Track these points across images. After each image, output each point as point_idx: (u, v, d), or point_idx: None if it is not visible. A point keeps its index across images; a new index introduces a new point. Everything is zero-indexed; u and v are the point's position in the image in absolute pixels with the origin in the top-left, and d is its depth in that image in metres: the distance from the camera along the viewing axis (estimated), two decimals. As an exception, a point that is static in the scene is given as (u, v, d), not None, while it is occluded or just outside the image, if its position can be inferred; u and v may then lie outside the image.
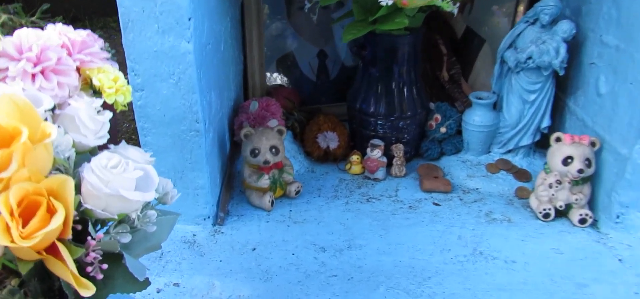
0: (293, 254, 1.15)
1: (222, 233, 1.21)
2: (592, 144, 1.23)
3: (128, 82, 0.71)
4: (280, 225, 1.25)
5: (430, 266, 1.12)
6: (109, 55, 0.73)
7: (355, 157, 1.46)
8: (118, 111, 0.73)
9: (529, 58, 1.33)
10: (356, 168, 1.46)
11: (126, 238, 0.64)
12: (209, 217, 1.21)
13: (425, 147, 1.51)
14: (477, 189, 1.40)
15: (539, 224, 1.26)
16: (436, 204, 1.34)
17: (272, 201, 1.29)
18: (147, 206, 0.68)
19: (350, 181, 1.44)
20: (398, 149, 1.43)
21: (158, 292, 1.03)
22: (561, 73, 1.33)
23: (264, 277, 1.08)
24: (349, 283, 1.07)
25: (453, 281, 1.08)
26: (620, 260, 1.14)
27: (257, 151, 1.24)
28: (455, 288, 1.06)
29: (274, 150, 1.24)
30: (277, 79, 1.72)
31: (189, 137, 1.10)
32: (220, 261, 1.12)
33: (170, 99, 1.06)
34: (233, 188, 1.38)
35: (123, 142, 0.70)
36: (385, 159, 1.43)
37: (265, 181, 1.27)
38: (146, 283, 0.60)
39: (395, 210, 1.32)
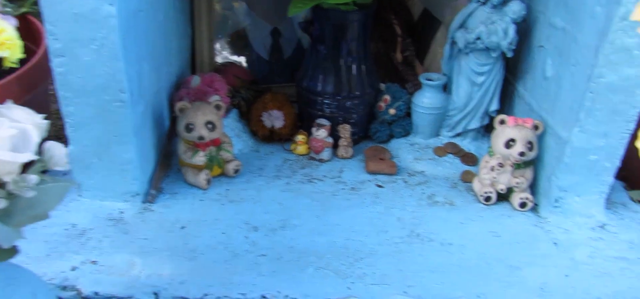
0: (223, 233, 1.11)
1: (152, 210, 1.17)
2: (535, 127, 1.21)
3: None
4: (215, 204, 1.21)
5: (365, 247, 1.09)
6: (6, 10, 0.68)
7: (300, 138, 1.42)
8: (7, 67, 0.68)
9: (478, 39, 1.30)
10: (302, 148, 1.43)
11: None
12: (138, 194, 1.16)
13: (374, 129, 1.48)
14: (422, 172, 1.38)
15: (480, 208, 1.24)
16: (379, 186, 1.31)
17: (209, 179, 1.25)
18: (36, 169, 0.64)
19: (294, 161, 1.41)
20: (344, 130, 1.40)
21: (73, 270, 0.98)
22: (509, 55, 1.31)
23: (190, 256, 1.04)
24: (278, 263, 1.04)
25: (385, 262, 1.05)
26: (555, 244, 1.13)
27: (191, 126, 1.19)
28: (386, 269, 1.03)
29: (210, 125, 1.20)
30: (228, 56, 1.67)
31: (113, 108, 1.05)
32: (145, 239, 1.08)
33: (92, 67, 1.01)
34: (170, 166, 1.33)
35: (9, 101, 0.65)
36: (331, 140, 1.40)
37: (200, 158, 1.22)
38: (12, 251, 0.56)
39: (337, 191, 1.28)
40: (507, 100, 1.45)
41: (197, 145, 1.22)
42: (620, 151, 1.12)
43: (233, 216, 1.17)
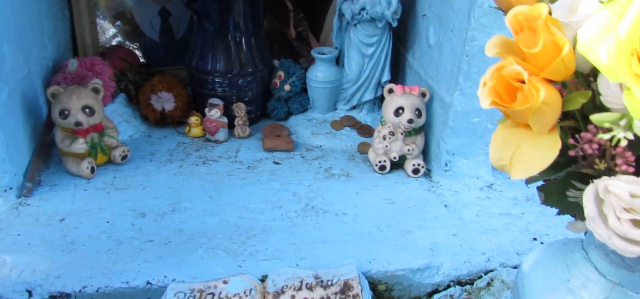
0: (107, 222, 1.05)
1: (28, 204, 1.08)
2: (423, 94, 1.24)
3: None
4: (100, 193, 1.13)
5: (258, 224, 1.07)
6: None
7: (194, 119, 1.37)
8: None
9: (363, 9, 1.31)
10: (196, 130, 1.38)
11: None
12: (11, 188, 1.07)
13: (271, 107, 1.46)
14: (320, 146, 1.37)
15: (375, 177, 1.26)
16: (276, 163, 1.29)
17: (92, 167, 1.17)
18: None
19: (189, 144, 1.36)
20: (239, 109, 1.37)
21: None
22: (394, 24, 1.33)
23: (68, 248, 0.97)
24: (165, 248, 0.99)
25: (278, 238, 1.04)
26: (445, 206, 1.17)
27: (66, 112, 1.11)
28: (279, 244, 1.02)
29: (87, 110, 1.12)
30: (115, 39, 1.58)
31: (-31, 95, 0.95)
32: (18, 234, 0.99)
33: (-62, 50, 0.90)
34: (50, 157, 1.23)
35: None
36: (225, 120, 1.36)
37: (80, 146, 1.14)
38: None
39: (232, 171, 1.25)
40: (398, 70, 1.48)
41: (75, 132, 1.14)
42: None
43: (119, 204, 1.10)
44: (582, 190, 0.65)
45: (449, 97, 1.17)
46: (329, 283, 0.91)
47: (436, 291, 1.02)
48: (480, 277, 1.02)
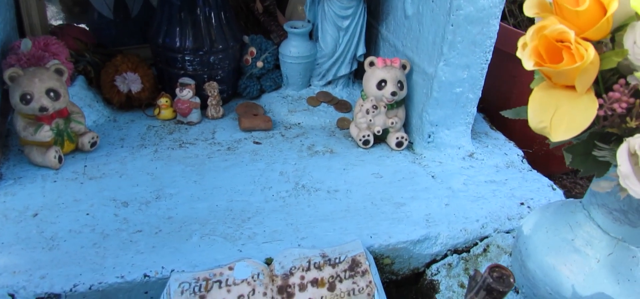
0: (87, 214, 0.96)
1: (-8, 201, 0.97)
2: (403, 66, 1.23)
3: None
4: (72, 183, 1.04)
5: (250, 206, 1.03)
6: None
7: (163, 101, 1.29)
8: None
9: (340, -19, 1.28)
10: (166, 112, 1.30)
11: None
12: (-31, 184, 0.96)
13: (243, 85, 1.40)
14: (298, 123, 1.34)
15: (360, 152, 1.24)
16: (257, 143, 1.24)
17: (60, 156, 1.07)
18: None
19: (160, 127, 1.27)
20: (212, 88, 1.30)
21: None
22: (370, -4, 1.31)
23: (49, 245, 0.88)
24: (157, 237, 0.92)
25: (274, 218, 1.00)
26: (433, 177, 1.17)
27: (28, 97, 1.00)
28: (277, 225, 0.98)
29: (52, 94, 1.02)
30: (64, 17, 1.45)
31: None
32: (-13, 235, 0.89)
33: None
34: (8, 147, 1.12)
35: None
36: (198, 100, 1.28)
37: (46, 133, 1.04)
38: None
39: (212, 153, 1.19)
40: (372, 44, 1.46)
41: (40, 118, 1.03)
42: (481, 82, 1.19)
43: (96, 194, 1.01)
44: (606, 149, 0.67)
45: (431, 69, 1.17)
46: (337, 260, 0.89)
47: (434, 261, 1.03)
48: (476, 244, 1.04)
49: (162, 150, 1.18)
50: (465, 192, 1.13)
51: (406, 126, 1.29)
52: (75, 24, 1.45)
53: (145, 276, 0.84)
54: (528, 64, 0.56)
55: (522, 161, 1.27)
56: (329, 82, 1.44)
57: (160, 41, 1.27)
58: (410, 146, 1.27)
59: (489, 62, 1.17)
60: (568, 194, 1.47)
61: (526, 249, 0.88)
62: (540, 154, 1.45)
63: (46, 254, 0.86)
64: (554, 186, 1.18)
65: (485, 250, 1.02)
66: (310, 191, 1.09)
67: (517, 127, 1.47)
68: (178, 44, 1.26)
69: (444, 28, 1.11)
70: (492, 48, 1.15)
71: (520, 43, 0.58)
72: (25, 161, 1.08)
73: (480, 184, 1.16)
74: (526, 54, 0.57)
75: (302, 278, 0.86)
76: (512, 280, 0.67)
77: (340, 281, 0.87)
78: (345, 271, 0.88)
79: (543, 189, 1.16)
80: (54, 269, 0.83)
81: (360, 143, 1.24)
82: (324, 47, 1.37)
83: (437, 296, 0.99)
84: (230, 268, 0.85)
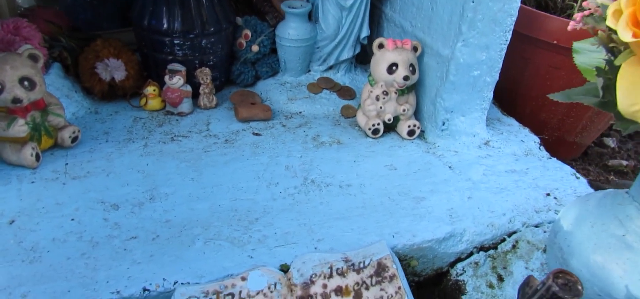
0: (72, 219, 0.84)
1: (-41, 207, 0.84)
2: (414, 48, 1.14)
3: None
4: (53, 184, 0.91)
5: (257, 205, 0.92)
6: None
7: (151, 89, 1.16)
8: None
9: (344, -43, 1.17)
10: (154, 103, 1.17)
11: None
12: None
13: (237, 72, 1.28)
14: (300, 112, 1.23)
15: (369, 142, 1.14)
16: (256, 134, 1.13)
17: (37, 153, 0.94)
18: None
19: (148, 119, 1.15)
20: (204, 75, 1.18)
21: None
22: (378, -27, 1.21)
23: (29, 257, 0.76)
24: (155, 244, 0.81)
25: (285, 218, 0.89)
26: (450, 167, 1.08)
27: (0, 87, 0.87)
28: (288, 226, 0.88)
29: (27, 83, 0.89)
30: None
31: None
32: (-45, 247, 0.76)
33: None
34: (-25, 144, 0.98)
35: None
36: (189, 88, 1.16)
37: (20, 128, 0.91)
38: None
39: (208, 147, 1.07)
40: (374, 25, 1.36)
41: (13, 111, 0.90)
42: (499, 64, 1.10)
43: (81, 196, 0.89)
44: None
45: (447, 50, 1.08)
46: (361, 265, 0.79)
47: (459, 259, 0.95)
48: (503, 240, 0.96)
49: (152, 144, 1.06)
50: (486, 184, 1.04)
51: (417, 113, 1.20)
52: (46, 6, 1.30)
53: (144, 290, 0.73)
54: (626, 34, 0.47)
55: (539, 148, 1.19)
56: (330, 67, 1.33)
57: (146, 23, 1.14)
58: (421, 135, 1.18)
59: (508, 42, 1.08)
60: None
61: (568, 246, 0.80)
62: (551, 141, 1.38)
63: (27, 268, 0.74)
64: (577, 174, 1.10)
65: (514, 246, 0.94)
66: (320, 187, 0.99)
67: (527, 113, 1.39)
68: (166, 26, 1.14)
69: (463, 5, 1.02)
70: (512, 27, 1.06)
71: (610, 11, 0.49)
72: (-4, 160, 0.95)
73: (501, 175, 1.08)
74: (622, 24, 0.47)
75: (325, 286, 0.76)
76: (580, 287, 0.58)
77: (367, 288, 0.77)
78: (371, 276, 0.78)
79: (567, 178, 1.09)
80: (37, 285, 0.71)
81: (369, 132, 1.15)
82: (326, 28, 1.27)
83: (463, 297, 0.91)
84: (243, 278, 0.74)
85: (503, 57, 1.09)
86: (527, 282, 0.63)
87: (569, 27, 0.63)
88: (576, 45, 0.80)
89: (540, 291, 0.59)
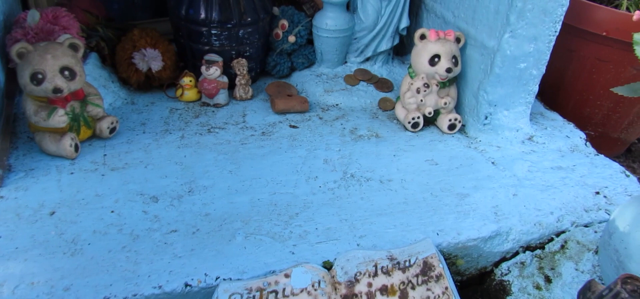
0: (112, 211, 0.83)
1: (2, 197, 0.84)
2: (457, 40, 1.10)
3: None
4: (92, 176, 0.91)
5: (296, 200, 0.90)
6: None
7: (187, 80, 1.15)
8: None
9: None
10: (190, 93, 1.16)
11: None
12: (-26, 178, 0.82)
13: (272, 63, 1.26)
14: (337, 104, 1.20)
15: (408, 136, 1.11)
16: (293, 127, 1.11)
17: (76, 144, 0.94)
18: None
19: (184, 110, 1.14)
20: (241, 66, 1.16)
21: None
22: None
23: (71, 249, 0.75)
24: (195, 238, 0.80)
25: (325, 213, 0.87)
26: (493, 163, 1.05)
27: (40, 75, 0.86)
28: (329, 222, 0.86)
29: (67, 72, 0.88)
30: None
31: None
32: (0, 237, 0.76)
33: None
34: (16, 134, 0.98)
35: None
36: (226, 79, 1.15)
37: (60, 118, 0.90)
38: None
39: (245, 139, 1.06)
40: (413, 16, 1.32)
41: (53, 101, 0.90)
42: (546, 57, 1.06)
43: (120, 188, 0.88)
44: None
45: (493, 41, 1.04)
46: (407, 263, 0.77)
47: (504, 259, 0.91)
48: (551, 240, 0.92)
49: (189, 136, 1.05)
50: (531, 181, 1.00)
51: (458, 107, 1.16)
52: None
53: (186, 285, 0.72)
54: None
55: (585, 144, 1.14)
56: (367, 59, 1.30)
57: (183, 13, 1.13)
58: (462, 129, 1.15)
59: (557, 33, 1.03)
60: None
61: (625, 249, 0.76)
62: (594, 136, 1.33)
63: (69, 261, 0.73)
64: (627, 172, 1.06)
65: (563, 247, 0.90)
66: (361, 181, 0.96)
67: (569, 107, 1.34)
68: (203, 16, 1.12)
69: (511, -6, 0.98)
70: (562, 17, 1.01)
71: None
72: (36, 150, 0.94)
73: (547, 171, 1.03)
74: None
75: (370, 284, 0.74)
76: (650, 295, 0.54)
77: (413, 287, 0.75)
78: (417, 276, 0.76)
79: (616, 176, 1.04)
80: (79, 278, 0.71)
81: (408, 126, 1.11)
82: (364, 19, 1.23)
83: (508, 298, 0.87)
84: (287, 275, 0.73)
85: (551, 49, 1.05)
86: (589, 287, 0.60)
87: (634, 18, 0.59)
88: (637, 36, 0.76)
89: (606, 297, 0.56)
